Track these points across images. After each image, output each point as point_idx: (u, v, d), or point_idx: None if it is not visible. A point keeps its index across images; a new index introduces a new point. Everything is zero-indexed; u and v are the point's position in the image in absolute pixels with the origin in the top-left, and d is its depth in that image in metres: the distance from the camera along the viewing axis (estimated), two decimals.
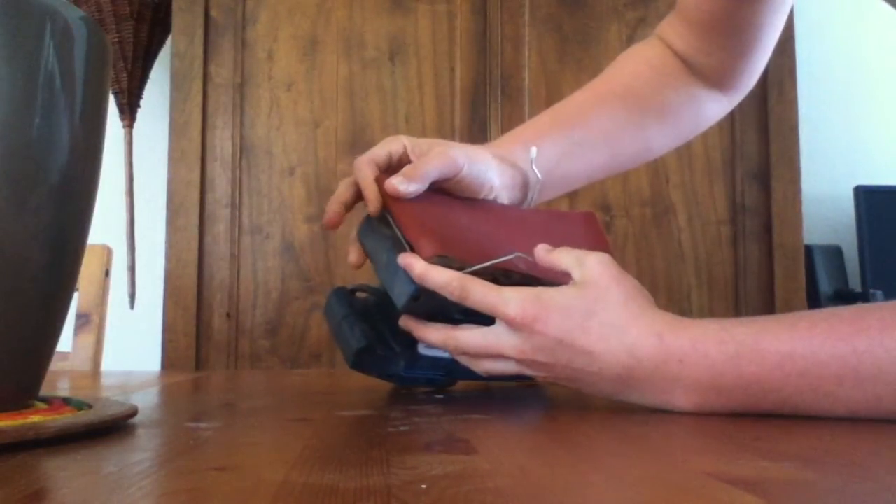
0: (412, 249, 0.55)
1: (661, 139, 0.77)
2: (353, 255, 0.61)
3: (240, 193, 1.56)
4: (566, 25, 1.66)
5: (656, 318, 0.47)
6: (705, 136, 1.70)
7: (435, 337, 0.54)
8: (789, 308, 1.56)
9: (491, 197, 0.64)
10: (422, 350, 0.60)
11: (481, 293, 0.50)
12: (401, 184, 0.56)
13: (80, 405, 0.46)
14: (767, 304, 1.57)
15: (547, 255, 0.53)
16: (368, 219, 0.60)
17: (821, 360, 0.41)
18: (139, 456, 0.36)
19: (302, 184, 1.56)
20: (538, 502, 0.26)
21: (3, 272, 0.40)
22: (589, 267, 0.49)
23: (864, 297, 1.74)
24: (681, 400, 0.46)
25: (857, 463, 0.35)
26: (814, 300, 1.75)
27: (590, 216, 0.67)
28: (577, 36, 1.66)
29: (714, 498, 0.27)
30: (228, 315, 1.52)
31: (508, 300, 0.48)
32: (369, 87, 1.62)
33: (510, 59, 1.64)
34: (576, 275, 0.49)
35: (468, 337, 0.51)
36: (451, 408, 0.54)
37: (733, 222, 1.68)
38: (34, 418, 0.40)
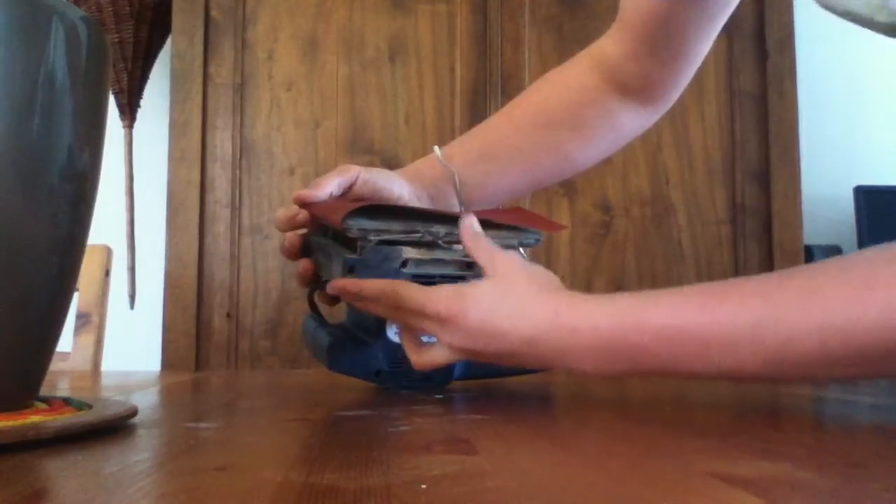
0: (335, 230, 0.60)
1: (581, 153, 0.82)
2: (301, 266, 0.67)
3: (240, 193, 1.56)
4: (566, 26, 1.66)
5: (557, 296, 0.52)
6: (705, 136, 1.70)
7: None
8: None
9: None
10: (391, 335, 0.63)
11: (410, 295, 0.55)
12: (305, 191, 0.65)
13: (80, 405, 0.46)
14: None
15: (471, 244, 0.58)
16: (309, 237, 0.67)
17: (689, 329, 0.46)
18: (139, 456, 0.36)
19: (302, 184, 1.56)
20: (538, 502, 0.26)
21: (2, 272, 0.40)
22: (498, 262, 0.55)
23: None
24: (578, 365, 0.51)
25: (857, 463, 0.35)
26: None
27: (518, 210, 0.72)
28: (577, 36, 1.66)
29: (714, 498, 0.27)
30: (228, 315, 1.52)
31: (435, 299, 0.54)
32: (369, 87, 1.62)
33: (510, 59, 1.64)
34: (488, 270, 0.55)
35: (409, 290, 0.55)
36: (451, 408, 0.54)
37: (733, 222, 1.68)
38: (34, 418, 0.40)
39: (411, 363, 0.57)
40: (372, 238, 0.59)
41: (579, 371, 0.51)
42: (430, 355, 0.57)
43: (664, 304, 0.48)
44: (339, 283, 0.58)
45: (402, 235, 0.60)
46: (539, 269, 0.56)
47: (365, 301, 0.58)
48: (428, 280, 0.59)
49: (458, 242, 0.60)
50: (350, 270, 0.58)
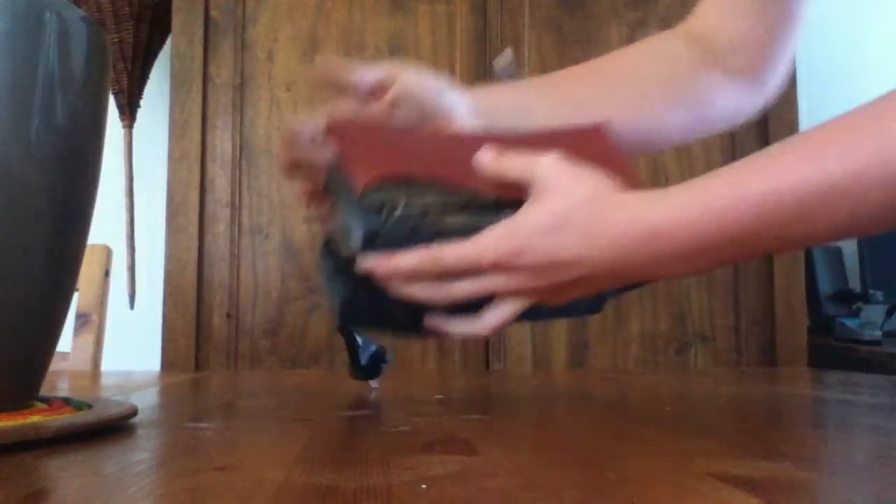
0: (352, 184, 0.50)
1: (674, 121, 0.71)
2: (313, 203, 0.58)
3: (240, 193, 1.55)
4: (566, 26, 1.66)
5: (630, 202, 0.46)
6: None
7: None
8: (789, 308, 1.56)
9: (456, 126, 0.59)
10: None
11: (454, 254, 0.47)
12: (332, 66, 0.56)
13: (80, 405, 0.46)
14: (767, 305, 1.57)
15: (493, 165, 0.50)
16: (329, 169, 0.56)
17: (791, 191, 0.41)
18: (139, 456, 0.36)
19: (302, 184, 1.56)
20: (538, 502, 0.26)
21: (3, 272, 0.40)
22: (541, 173, 0.47)
23: (864, 298, 1.74)
24: (672, 272, 0.46)
25: (857, 463, 0.35)
26: (814, 300, 1.74)
27: (597, 131, 0.58)
28: (577, 36, 1.66)
29: (714, 498, 0.27)
30: (228, 315, 1.52)
31: (483, 248, 0.47)
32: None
33: None
34: (532, 186, 0.47)
35: (460, 287, 0.48)
36: (451, 408, 0.54)
37: None
38: (34, 418, 0.40)
39: (480, 336, 0.50)
40: (399, 211, 0.48)
41: (676, 276, 0.47)
42: (495, 316, 0.49)
43: (754, 175, 0.43)
44: (367, 266, 0.49)
45: (438, 205, 0.49)
46: (590, 172, 0.48)
47: (399, 281, 0.49)
48: None
49: (514, 205, 0.48)
50: (370, 242, 0.48)
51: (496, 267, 0.47)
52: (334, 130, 0.54)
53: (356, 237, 0.49)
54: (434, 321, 0.51)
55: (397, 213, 0.48)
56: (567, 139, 0.54)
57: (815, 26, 2.03)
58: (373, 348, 0.64)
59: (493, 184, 0.50)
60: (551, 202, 0.46)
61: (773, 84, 0.72)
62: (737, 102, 0.72)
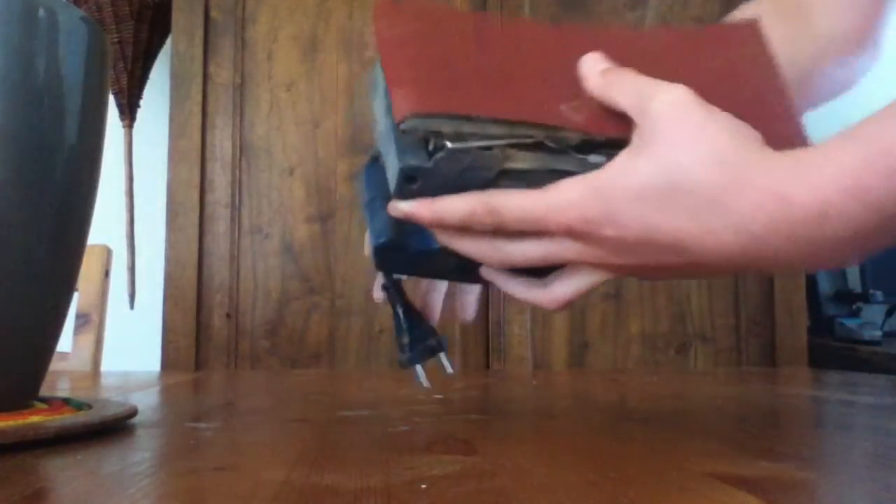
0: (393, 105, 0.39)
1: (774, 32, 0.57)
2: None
3: (240, 193, 1.55)
4: None
5: (768, 169, 0.33)
6: None
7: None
8: (789, 308, 1.56)
9: None
10: None
11: (519, 208, 0.37)
12: None
13: (79, 405, 0.46)
14: (767, 305, 1.57)
15: (602, 82, 0.38)
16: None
17: None
18: (139, 456, 0.36)
19: (302, 184, 1.56)
20: (538, 502, 0.26)
21: (3, 272, 0.40)
22: (656, 112, 0.35)
23: (864, 298, 1.74)
24: (833, 259, 0.34)
25: (857, 463, 0.35)
26: (814, 300, 1.74)
27: (751, 29, 0.43)
28: None
29: (714, 498, 0.27)
30: (228, 315, 1.52)
31: (556, 204, 0.36)
32: (369, 88, 1.62)
33: None
34: (641, 125, 0.35)
35: (521, 250, 0.38)
36: (451, 408, 0.54)
37: None
38: (34, 418, 0.40)
39: (544, 307, 0.40)
40: (450, 144, 0.37)
41: (824, 267, 0.35)
42: (562, 288, 0.39)
43: None
44: (403, 207, 0.39)
45: (502, 140, 0.38)
46: (722, 118, 0.35)
47: (445, 229, 0.39)
48: None
49: (609, 149, 0.37)
50: (410, 181, 0.38)
51: (571, 233, 0.36)
52: (379, 16, 0.41)
53: (391, 177, 0.40)
54: (491, 274, 0.41)
55: (448, 146, 0.38)
56: (711, 37, 0.42)
57: None
58: (421, 326, 0.49)
59: (587, 110, 0.38)
60: (660, 155, 0.35)
61: (874, 45, 0.62)
62: (838, 76, 0.62)
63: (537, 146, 0.38)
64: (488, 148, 0.38)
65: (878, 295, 1.72)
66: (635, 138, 0.36)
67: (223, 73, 1.57)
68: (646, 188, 0.35)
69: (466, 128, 0.38)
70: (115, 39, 1.64)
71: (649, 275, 0.38)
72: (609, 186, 0.35)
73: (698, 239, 0.34)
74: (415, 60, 0.40)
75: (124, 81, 1.69)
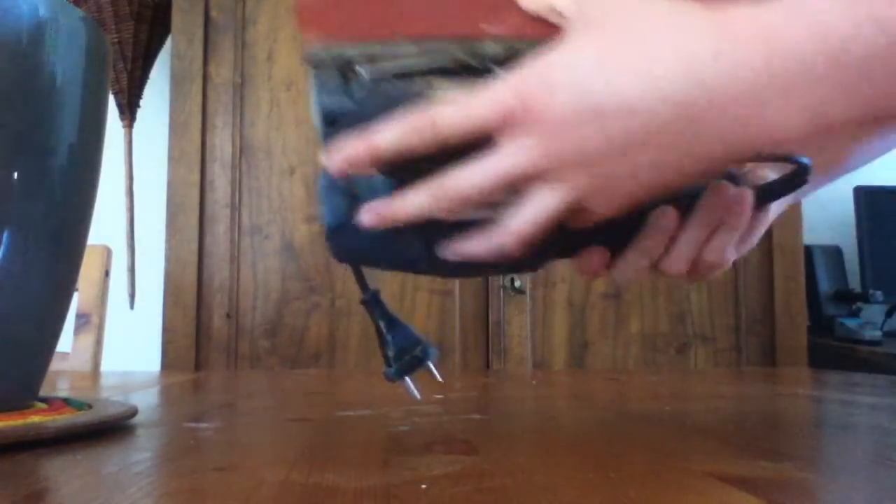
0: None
1: None
2: None
3: (240, 194, 1.55)
4: None
5: (715, 9, 0.31)
6: None
7: (417, 202, 0.36)
8: (789, 308, 1.56)
9: None
10: None
11: (453, 109, 0.34)
12: None
13: (80, 405, 0.46)
14: (767, 305, 1.57)
15: None
16: None
17: None
18: (139, 456, 0.36)
19: (302, 184, 1.56)
20: (538, 502, 0.26)
21: (2, 272, 0.40)
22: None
23: (864, 298, 1.74)
24: (787, 121, 0.30)
25: (857, 463, 0.35)
26: (814, 300, 1.75)
27: None
28: None
29: (714, 498, 0.27)
30: (228, 315, 1.52)
31: (495, 90, 0.34)
32: None
33: None
34: (572, 21, 0.34)
35: (468, 177, 0.34)
36: (451, 408, 0.54)
37: None
38: (34, 418, 0.40)
39: (507, 252, 0.36)
40: (366, 71, 0.35)
41: (779, 133, 0.31)
42: (517, 219, 0.35)
43: None
44: (336, 156, 0.35)
45: (422, 65, 0.36)
46: None
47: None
48: None
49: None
50: (331, 124, 0.36)
51: (512, 120, 0.33)
52: None
53: (315, 118, 0.37)
54: (449, 246, 0.38)
55: (362, 77, 0.35)
56: None
57: None
58: (405, 336, 0.45)
59: (510, 19, 0.36)
60: (589, 24, 0.33)
61: None
62: None
63: (461, 70, 0.36)
64: (409, 76, 0.35)
65: (878, 295, 1.72)
66: (564, 18, 0.34)
67: (223, 74, 1.57)
68: (577, 54, 0.33)
69: (377, 50, 0.35)
70: (115, 39, 1.65)
71: (611, 178, 0.34)
72: (544, 62, 0.33)
73: (638, 95, 0.31)
74: None
75: (124, 81, 1.69)
